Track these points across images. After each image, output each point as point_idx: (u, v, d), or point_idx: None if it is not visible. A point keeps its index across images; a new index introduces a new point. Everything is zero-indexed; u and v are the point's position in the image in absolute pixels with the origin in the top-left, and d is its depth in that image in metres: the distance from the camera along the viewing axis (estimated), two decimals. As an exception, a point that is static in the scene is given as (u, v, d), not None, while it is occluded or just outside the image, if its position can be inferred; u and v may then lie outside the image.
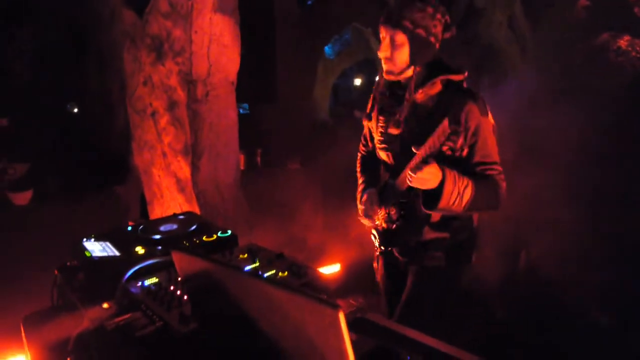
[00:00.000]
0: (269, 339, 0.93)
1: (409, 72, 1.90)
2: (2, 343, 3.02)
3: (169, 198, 3.51)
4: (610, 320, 3.44)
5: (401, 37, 1.84)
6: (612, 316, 3.48)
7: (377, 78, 2.14)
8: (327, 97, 13.40)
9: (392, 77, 1.95)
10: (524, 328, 3.47)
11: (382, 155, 2.14)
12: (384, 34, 1.88)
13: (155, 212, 3.73)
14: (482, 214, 2.08)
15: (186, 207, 3.50)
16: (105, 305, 1.65)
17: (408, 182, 1.78)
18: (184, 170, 3.39)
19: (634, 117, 7.55)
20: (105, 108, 4.26)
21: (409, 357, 1.26)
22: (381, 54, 1.90)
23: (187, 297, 1.45)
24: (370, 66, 15.97)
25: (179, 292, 1.55)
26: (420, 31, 1.84)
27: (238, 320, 0.99)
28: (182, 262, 1.09)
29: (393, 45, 1.86)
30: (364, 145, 2.42)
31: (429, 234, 2.01)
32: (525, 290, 4.29)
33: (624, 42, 10.16)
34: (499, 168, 1.89)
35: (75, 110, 6.76)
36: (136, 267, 1.71)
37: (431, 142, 1.66)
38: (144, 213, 4.39)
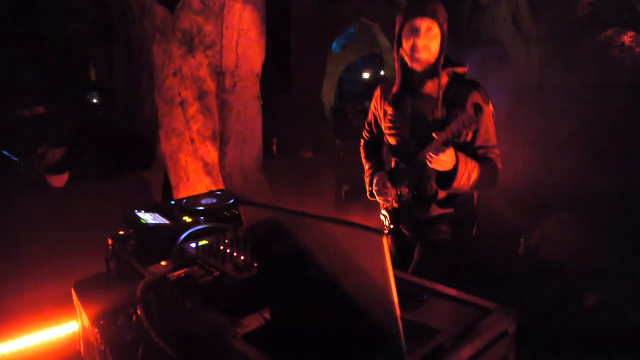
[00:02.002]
0: (323, 269, 1.16)
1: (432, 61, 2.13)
2: (49, 312, 3.29)
3: (195, 181, 3.79)
4: (608, 302, 3.65)
5: (436, 29, 2.08)
6: (609, 298, 3.69)
7: (382, 72, 2.38)
8: (333, 90, 13.65)
9: (422, 66, 2.14)
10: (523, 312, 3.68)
11: (391, 140, 2.37)
12: (417, 24, 2.07)
13: (181, 195, 4.01)
14: (482, 192, 2.33)
15: (213, 189, 3.77)
16: (163, 263, 1.92)
17: (428, 162, 1.98)
18: (211, 154, 3.67)
19: (633, 113, 7.73)
20: (132, 97, 4.53)
21: (425, 297, 1.54)
22: (420, 42, 2.07)
23: (251, 244, 1.64)
24: (375, 60, 16.14)
25: (228, 250, 1.80)
26: (445, 25, 2.11)
27: (296, 257, 1.24)
28: (248, 212, 1.35)
29: (428, 34, 2.07)
30: (367, 132, 2.64)
31: (436, 211, 2.26)
32: (525, 275, 4.52)
33: (628, 38, 10.26)
34: (497, 151, 2.15)
35: (95, 100, 7.04)
36: (190, 230, 1.96)
37: (454, 128, 1.86)
38: (166, 196, 4.67)
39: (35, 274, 3.51)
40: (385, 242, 0.99)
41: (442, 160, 1.94)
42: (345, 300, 1.14)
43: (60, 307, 3.14)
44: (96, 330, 1.91)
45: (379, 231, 1.00)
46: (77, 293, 2.33)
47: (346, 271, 1.11)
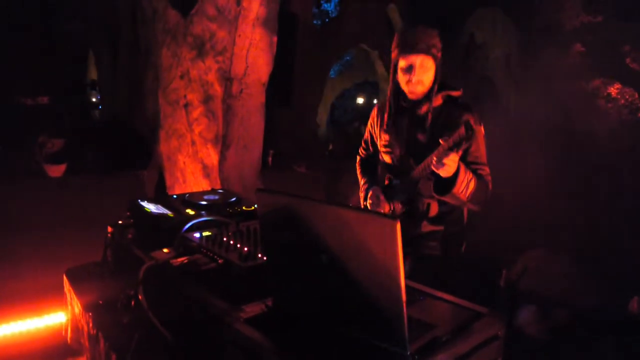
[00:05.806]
0: (334, 255, 1.19)
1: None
2: (36, 303, 3.25)
3: (192, 183, 3.84)
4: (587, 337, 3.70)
5: (429, 62, 2.15)
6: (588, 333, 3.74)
7: (375, 101, 2.43)
8: (326, 113, 13.82)
9: (417, 96, 2.22)
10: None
11: (386, 158, 2.45)
12: (411, 61, 2.14)
13: (175, 196, 4.04)
14: (472, 211, 2.35)
15: (211, 191, 3.82)
16: (165, 250, 1.94)
17: (433, 167, 2.02)
18: (211, 157, 3.73)
19: (615, 158, 7.93)
20: (134, 97, 4.59)
21: (421, 297, 1.60)
22: (415, 78, 2.15)
23: (263, 230, 1.57)
24: (370, 88, 16.39)
25: (232, 242, 1.80)
26: (440, 54, 2.18)
27: (308, 243, 1.28)
28: (264, 199, 1.40)
29: (423, 69, 2.15)
30: (364, 149, 2.72)
31: (427, 227, 2.32)
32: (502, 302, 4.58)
33: (614, 89, 10.57)
34: (487, 170, 2.22)
35: (94, 99, 7.07)
36: (195, 221, 1.98)
37: (455, 137, 1.92)
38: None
39: (24, 263, 3.48)
40: (399, 227, 1.01)
41: (447, 165, 1.98)
42: (354, 285, 1.17)
43: (47, 298, 3.11)
44: (89, 314, 1.90)
45: (394, 217, 1.07)
46: (69, 279, 2.30)
47: (357, 256, 1.14)
